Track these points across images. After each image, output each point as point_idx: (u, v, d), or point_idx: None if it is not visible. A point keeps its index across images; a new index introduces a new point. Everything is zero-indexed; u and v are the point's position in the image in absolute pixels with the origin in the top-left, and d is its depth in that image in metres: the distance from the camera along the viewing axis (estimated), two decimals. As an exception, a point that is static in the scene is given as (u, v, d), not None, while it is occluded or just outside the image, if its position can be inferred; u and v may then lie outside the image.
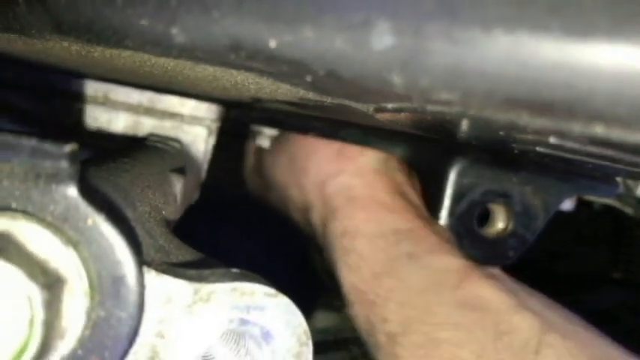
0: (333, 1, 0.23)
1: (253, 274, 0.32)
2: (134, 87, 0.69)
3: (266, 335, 0.31)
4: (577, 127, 0.21)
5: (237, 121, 0.79)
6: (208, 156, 0.73)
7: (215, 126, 0.72)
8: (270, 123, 0.83)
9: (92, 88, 0.71)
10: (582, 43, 0.19)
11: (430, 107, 0.25)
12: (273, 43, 0.24)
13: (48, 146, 0.24)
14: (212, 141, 0.73)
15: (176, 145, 0.67)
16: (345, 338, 0.93)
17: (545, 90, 0.20)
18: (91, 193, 0.27)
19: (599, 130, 0.21)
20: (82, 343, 0.26)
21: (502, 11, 0.20)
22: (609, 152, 0.25)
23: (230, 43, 0.25)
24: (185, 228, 0.51)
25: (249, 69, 0.28)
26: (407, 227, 0.62)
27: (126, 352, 0.28)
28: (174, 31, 0.27)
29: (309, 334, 0.32)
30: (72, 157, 0.25)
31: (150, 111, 0.72)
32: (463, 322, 0.54)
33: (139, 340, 0.29)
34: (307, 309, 0.92)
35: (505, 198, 0.68)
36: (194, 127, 0.72)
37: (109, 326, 0.27)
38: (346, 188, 0.66)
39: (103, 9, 0.29)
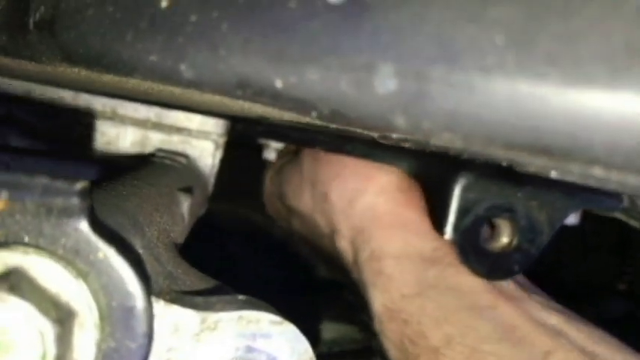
0: (338, 44, 0.23)
1: (259, 301, 0.33)
2: (142, 104, 0.70)
3: (272, 362, 0.32)
4: (576, 169, 0.22)
5: (243, 135, 0.80)
6: (215, 170, 0.73)
7: (222, 140, 0.73)
8: (276, 137, 0.83)
9: (100, 103, 0.72)
10: (580, 92, 0.19)
11: (433, 142, 0.25)
12: (279, 84, 0.25)
13: (59, 184, 0.25)
14: (219, 155, 0.73)
15: (183, 160, 0.68)
16: (352, 350, 0.94)
17: (544, 136, 0.20)
18: (101, 227, 0.27)
19: (597, 172, 0.21)
20: (93, 373, 0.27)
21: (501, 58, 0.20)
22: (612, 187, 0.25)
23: (237, 81, 0.26)
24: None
25: (256, 102, 0.29)
26: (431, 247, 0.63)
27: (135, 381, 0.29)
28: (183, 67, 0.27)
29: (314, 360, 0.33)
30: (82, 193, 0.25)
31: (157, 126, 0.73)
32: (508, 339, 0.55)
33: (148, 369, 0.29)
34: (314, 320, 0.92)
35: (510, 213, 0.68)
36: (201, 141, 0.73)
37: (119, 356, 0.28)
38: (370, 208, 0.67)
39: (112, 44, 0.29)
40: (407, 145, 0.34)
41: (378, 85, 0.22)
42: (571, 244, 0.94)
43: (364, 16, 0.22)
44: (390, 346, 0.61)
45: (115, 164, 0.66)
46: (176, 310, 0.30)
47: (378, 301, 0.61)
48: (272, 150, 0.87)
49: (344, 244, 0.68)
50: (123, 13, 0.28)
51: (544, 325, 0.56)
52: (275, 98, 0.26)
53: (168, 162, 0.63)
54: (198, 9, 0.26)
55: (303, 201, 0.74)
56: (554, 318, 0.58)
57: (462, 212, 0.67)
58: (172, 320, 0.29)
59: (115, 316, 0.27)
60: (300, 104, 0.26)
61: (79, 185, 0.25)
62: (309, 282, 0.94)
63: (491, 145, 0.23)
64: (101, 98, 0.71)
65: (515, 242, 0.69)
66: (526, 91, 0.20)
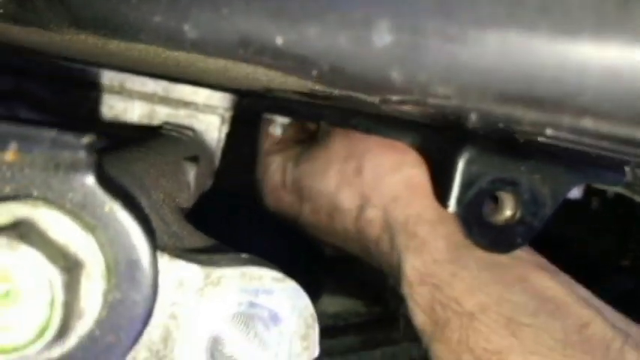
0: (336, 0, 0.24)
1: (262, 259, 0.34)
2: (149, 77, 0.70)
3: (274, 318, 0.33)
4: (567, 121, 0.22)
5: (249, 109, 0.80)
6: (221, 144, 0.74)
7: (228, 114, 0.74)
8: (282, 111, 0.84)
9: (108, 77, 0.73)
10: (569, 43, 0.20)
11: (430, 100, 0.26)
12: (279, 40, 0.25)
13: (67, 137, 0.25)
14: (225, 129, 0.74)
15: (190, 133, 0.69)
16: (356, 323, 0.95)
17: (535, 86, 0.21)
18: (107, 182, 0.28)
19: (588, 123, 0.22)
20: (99, 323, 0.28)
21: (494, 11, 0.21)
22: (605, 144, 0.26)
23: (239, 39, 0.27)
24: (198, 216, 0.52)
25: (257, 63, 0.29)
26: None
27: (140, 332, 0.30)
28: (186, 27, 0.28)
29: (315, 316, 0.34)
30: (90, 147, 0.26)
31: (165, 100, 0.73)
32: (542, 311, 0.55)
33: (153, 321, 0.30)
34: (319, 293, 0.93)
35: (513, 186, 0.69)
36: (208, 115, 0.73)
37: (124, 308, 0.29)
38: (408, 177, 0.68)
39: (118, 6, 0.30)
40: (407, 108, 0.35)
41: (376, 40, 0.23)
42: (574, 221, 0.94)
43: (361, -28, 0.23)
44: (417, 310, 0.62)
45: (123, 136, 0.67)
46: (180, 265, 0.30)
47: (410, 264, 0.62)
48: (278, 125, 0.87)
49: (373, 213, 0.69)
50: (128, -26, 0.29)
51: (579, 298, 0.56)
52: (276, 56, 0.27)
53: (175, 134, 0.64)
54: (201, -32, 0.27)
55: (328, 177, 0.74)
56: (585, 292, 0.58)
57: (466, 185, 0.68)
58: (177, 275, 0.30)
59: (120, 268, 0.28)
60: (301, 62, 0.26)
61: (87, 139, 0.26)
62: (314, 256, 0.95)
63: (485, 98, 0.23)
64: (109, 72, 0.72)
65: (518, 215, 0.70)
66: (517, 41, 0.21)
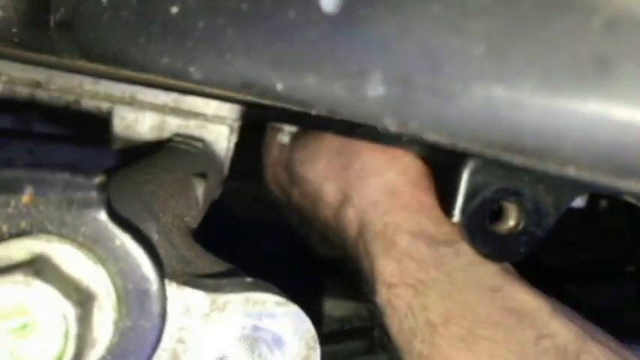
0: (332, 52, 0.25)
1: (265, 283, 0.35)
2: (160, 89, 0.72)
3: (277, 340, 0.34)
4: (552, 168, 0.24)
5: (257, 119, 0.81)
6: (230, 153, 0.75)
7: (237, 124, 0.75)
8: (290, 120, 0.85)
9: (119, 89, 0.74)
10: (550, 101, 0.21)
11: (424, 140, 0.27)
12: (279, 86, 0.27)
13: (79, 179, 0.27)
14: (234, 139, 0.75)
15: (199, 144, 0.70)
16: (363, 327, 0.96)
17: (518, 138, 0.22)
18: (118, 216, 0.30)
19: (571, 171, 0.23)
20: (111, 350, 0.30)
21: (480, 68, 0.22)
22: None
23: (241, 83, 0.28)
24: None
25: (261, 100, 0.31)
26: (443, 232, 0.65)
27: (150, 357, 0.31)
28: (192, 69, 0.29)
29: (316, 339, 0.35)
30: (100, 187, 0.28)
31: (175, 111, 0.75)
32: (503, 323, 0.56)
33: (162, 346, 0.32)
34: (324, 298, 0.95)
35: (517, 196, 0.70)
36: (217, 126, 0.75)
37: (134, 335, 0.30)
38: (390, 184, 0.69)
39: (127, 46, 0.31)
40: (405, 138, 0.36)
41: (369, 90, 0.24)
42: (580, 226, 0.95)
43: (356, 27, 0.24)
44: (393, 316, 0.62)
45: (133, 149, 0.68)
46: (188, 292, 0.32)
47: (390, 269, 0.63)
48: (286, 133, 0.89)
49: (352, 214, 0.70)
50: (136, 18, 0.30)
51: (542, 310, 0.57)
52: (277, 98, 0.28)
53: (184, 147, 0.66)
54: (205, 15, 0.28)
55: (317, 167, 0.76)
56: (555, 305, 0.59)
57: (470, 195, 0.69)
58: (184, 301, 0.32)
59: (131, 298, 0.30)
60: (300, 104, 0.28)
61: (98, 179, 0.27)
62: (319, 260, 0.97)
63: (474, 144, 0.24)
64: (120, 84, 0.74)
65: (521, 225, 0.71)
66: (502, 98, 0.22)
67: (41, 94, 0.72)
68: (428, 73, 0.23)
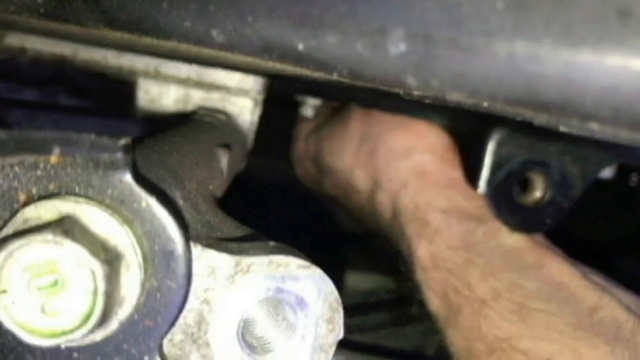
0: (353, 10, 0.25)
1: (289, 247, 0.36)
2: (183, 62, 0.72)
3: (300, 302, 0.34)
4: (575, 123, 0.23)
5: (281, 92, 0.82)
6: (254, 127, 0.76)
7: (260, 97, 0.75)
8: (314, 93, 0.85)
9: (143, 62, 0.75)
10: (571, 54, 0.21)
11: (446, 99, 0.27)
12: (300, 46, 0.27)
13: (104, 140, 0.28)
14: (258, 112, 0.76)
15: (223, 117, 0.71)
16: (390, 300, 0.97)
17: (540, 94, 0.22)
18: (143, 179, 0.30)
19: (595, 127, 0.23)
20: (138, 309, 0.30)
21: (501, 23, 0.22)
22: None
23: (263, 44, 0.28)
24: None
25: (282, 63, 0.31)
26: (475, 206, 0.65)
27: (176, 317, 0.32)
28: (214, 33, 0.30)
29: (339, 301, 0.36)
30: (126, 148, 0.28)
31: (198, 84, 0.75)
32: (554, 296, 0.56)
33: (188, 306, 0.32)
34: (350, 271, 0.95)
35: (543, 167, 0.69)
36: (240, 98, 0.75)
37: (161, 295, 0.31)
38: (418, 164, 0.68)
39: (150, 11, 0.32)
40: (429, 100, 0.36)
41: (390, 48, 0.24)
42: (602, 200, 0.94)
43: (377, -17, 0.24)
44: (431, 295, 0.63)
45: (158, 121, 0.69)
46: (212, 254, 0.32)
47: (423, 249, 0.63)
48: (309, 106, 0.89)
49: (384, 198, 0.70)
50: (159, -18, 0.31)
51: (589, 283, 0.57)
52: (298, 60, 0.28)
53: (208, 119, 0.66)
54: (226, -22, 0.28)
55: (345, 157, 0.76)
56: (597, 277, 0.59)
57: (496, 167, 0.68)
58: (209, 263, 0.32)
59: (157, 259, 0.30)
60: (321, 65, 0.28)
61: (123, 141, 0.28)
62: (345, 234, 0.97)
63: (496, 102, 0.24)
64: (144, 58, 0.74)
65: (548, 196, 0.70)
66: (523, 52, 0.22)
67: (67, 68, 0.73)
68: (449, 29, 0.23)
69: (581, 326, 0.53)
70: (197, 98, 0.75)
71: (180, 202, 0.36)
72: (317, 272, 0.34)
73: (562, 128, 0.27)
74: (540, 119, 0.25)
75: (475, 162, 0.69)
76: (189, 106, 0.74)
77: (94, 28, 0.41)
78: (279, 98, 0.83)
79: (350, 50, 0.25)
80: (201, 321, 0.33)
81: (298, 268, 0.34)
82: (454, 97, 0.25)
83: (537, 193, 0.72)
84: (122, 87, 0.75)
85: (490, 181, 0.68)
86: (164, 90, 0.75)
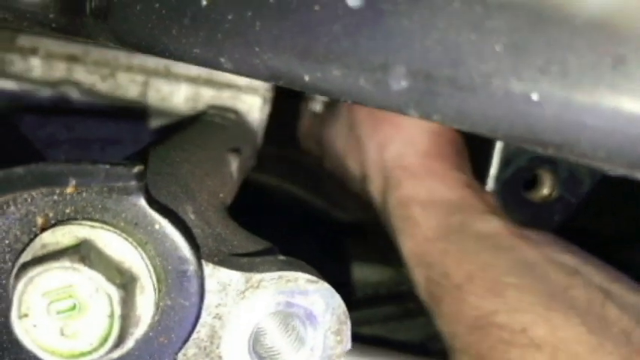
0: (356, 46, 0.26)
1: (298, 261, 0.37)
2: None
3: (309, 315, 0.36)
4: (573, 159, 0.24)
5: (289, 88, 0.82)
6: (263, 124, 0.76)
7: (269, 95, 0.76)
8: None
9: (154, 61, 0.75)
10: (567, 98, 0.21)
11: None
12: (306, 78, 0.28)
13: (119, 169, 0.29)
14: (267, 109, 0.76)
15: (232, 116, 0.71)
16: (399, 292, 0.97)
17: (537, 133, 0.23)
18: (156, 202, 0.31)
19: (592, 163, 0.24)
20: (153, 327, 0.31)
21: (499, 64, 0.22)
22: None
23: (270, 73, 0.29)
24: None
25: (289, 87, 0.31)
26: (456, 196, 0.65)
27: (190, 333, 0.33)
28: (222, 60, 0.30)
29: (347, 314, 0.37)
30: (139, 176, 0.29)
31: (209, 82, 0.76)
32: (526, 274, 0.57)
33: (200, 322, 0.34)
34: (360, 263, 0.96)
35: (551, 164, 0.70)
36: (250, 96, 0.75)
37: (174, 313, 0.32)
38: (398, 156, 0.69)
39: (159, 36, 0.33)
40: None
41: (392, 84, 0.25)
42: (610, 193, 0.93)
43: (380, 21, 0.25)
44: (419, 289, 0.64)
45: (170, 123, 0.70)
46: (223, 271, 0.34)
47: (406, 246, 0.64)
48: (318, 101, 0.89)
49: (373, 189, 0.71)
50: (168, 10, 0.31)
51: (562, 265, 0.58)
52: (304, 88, 0.29)
53: (218, 120, 0.67)
54: (234, 8, 0.29)
55: (338, 142, 0.77)
56: (571, 259, 0.59)
57: (504, 163, 0.69)
58: (220, 280, 0.34)
59: (170, 279, 0.32)
60: (327, 94, 0.28)
61: (136, 169, 0.29)
62: (354, 224, 0.98)
63: (496, 136, 0.25)
64: (154, 57, 0.75)
65: (556, 193, 0.71)
66: (519, 93, 0.22)
67: (78, 68, 0.74)
68: (449, 68, 0.24)
69: (555, 299, 0.54)
70: (207, 96, 0.75)
71: (192, 216, 0.37)
72: (325, 287, 0.36)
73: (562, 157, 0.27)
74: (540, 151, 0.26)
75: (483, 159, 0.70)
76: (200, 105, 0.75)
77: (104, 43, 0.42)
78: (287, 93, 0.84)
79: (353, 84, 0.26)
80: (213, 335, 0.34)
81: (307, 282, 0.35)
82: (455, 127, 0.26)
83: (545, 190, 0.72)
84: (133, 86, 0.76)
85: (498, 178, 0.69)
86: (175, 88, 0.76)
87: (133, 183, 0.29)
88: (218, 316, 0.34)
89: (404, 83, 0.25)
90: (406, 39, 0.24)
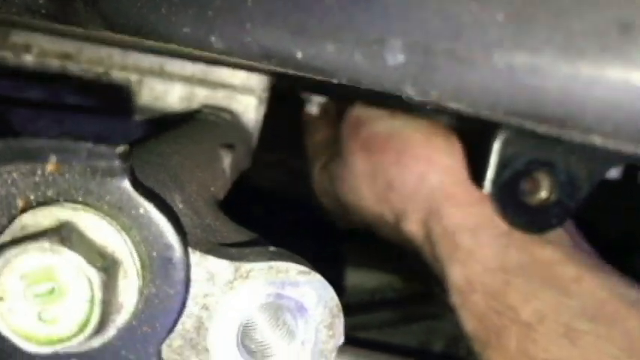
0: (351, 20, 0.25)
1: (289, 252, 0.35)
2: (188, 60, 0.72)
3: (300, 308, 0.34)
4: (576, 136, 0.23)
5: (286, 89, 0.81)
6: (259, 125, 0.75)
7: (265, 95, 0.75)
8: (319, 90, 0.85)
9: (148, 60, 0.75)
10: (572, 67, 0.20)
11: (446, 108, 0.27)
12: (299, 55, 0.27)
13: (102, 148, 0.27)
14: (262, 110, 0.75)
15: (227, 116, 0.70)
16: (394, 298, 0.96)
17: (540, 107, 0.22)
18: (142, 185, 0.30)
19: (596, 140, 0.23)
20: (136, 315, 0.30)
21: (501, 35, 0.21)
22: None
23: (262, 52, 0.28)
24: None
25: (282, 69, 0.31)
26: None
27: (174, 323, 0.32)
28: (213, 38, 0.29)
29: (340, 307, 0.35)
30: (123, 156, 0.28)
31: (203, 82, 0.75)
32: (600, 315, 0.55)
33: (186, 312, 0.32)
34: (356, 269, 0.95)
35: (549, 167, 0.69)
36: (245, 96, 0.75)
37: (159, 301, 0.31)
38: (438, 188, 0.68)
39: (149, 16, 0.32)
40: (430, 107, 0.36)
41: (389, 58, 0.24)
42: (614, 195, 0.93)
43: (375, -8, 0.24)
44: (469, 316, 0.62)
45: (162, 120, 0.69)
46: (211, 260, 0.32)
47: (458, 273, 0.63)
48: (314, 104, 0.89)
49: (413, 227, 0.69)
50: (157, -13, 0.30)
51: (628, 299, 0.56)
52: (297, 67, 0.28)
53: (212, 118, 0.66)
54: (225, -16, 0.28)
55: (363, 196, 0.75)
56: (634, 292, 0.58)
57: (501, 166, 0.68)
58: (207, 269, 0.32)
59: (155, 266, 0.30)
60: (320, 72, 0.27)
61: (120, 148, 0.28)
62: (350, 231, 0.97)
63: (495, 113, 0.24)
64: (149, 56, 0.74)
65: (554, 196, 0.70)
66: (523, 65, 0.21)
67: (71, 66, 0.73)
68: (448, 40, 0.23)
69: (636, 349, 0.52)
70: (202, 96, 0.74)
71: (180, 205, 0.36)
72: (317, 278, 0.34)
73: (566, 137, 0.26)
74: (541, 129, 0.25)
75: (480, 161, 0.69)
76: (194, 104, 0.74)
77: (95, 30, 0.41)
78: (284, 95, 0.83)
79: (348, 60, 0.25)
80: (200, 327, 0.33)
81: (298, 274, 0.34)
82: (453, 106, 0.25)
83: (543, 194, 0.71)
84: (127, 84, 0.75)
85: (495, 181, 0.68)
86: (169, 88, 0.75)
87: (117, 163, 0.28)
88: (205, 307, 0.33)
89: (401, 57, 0.24)
90: (403, 10, 0.23)
